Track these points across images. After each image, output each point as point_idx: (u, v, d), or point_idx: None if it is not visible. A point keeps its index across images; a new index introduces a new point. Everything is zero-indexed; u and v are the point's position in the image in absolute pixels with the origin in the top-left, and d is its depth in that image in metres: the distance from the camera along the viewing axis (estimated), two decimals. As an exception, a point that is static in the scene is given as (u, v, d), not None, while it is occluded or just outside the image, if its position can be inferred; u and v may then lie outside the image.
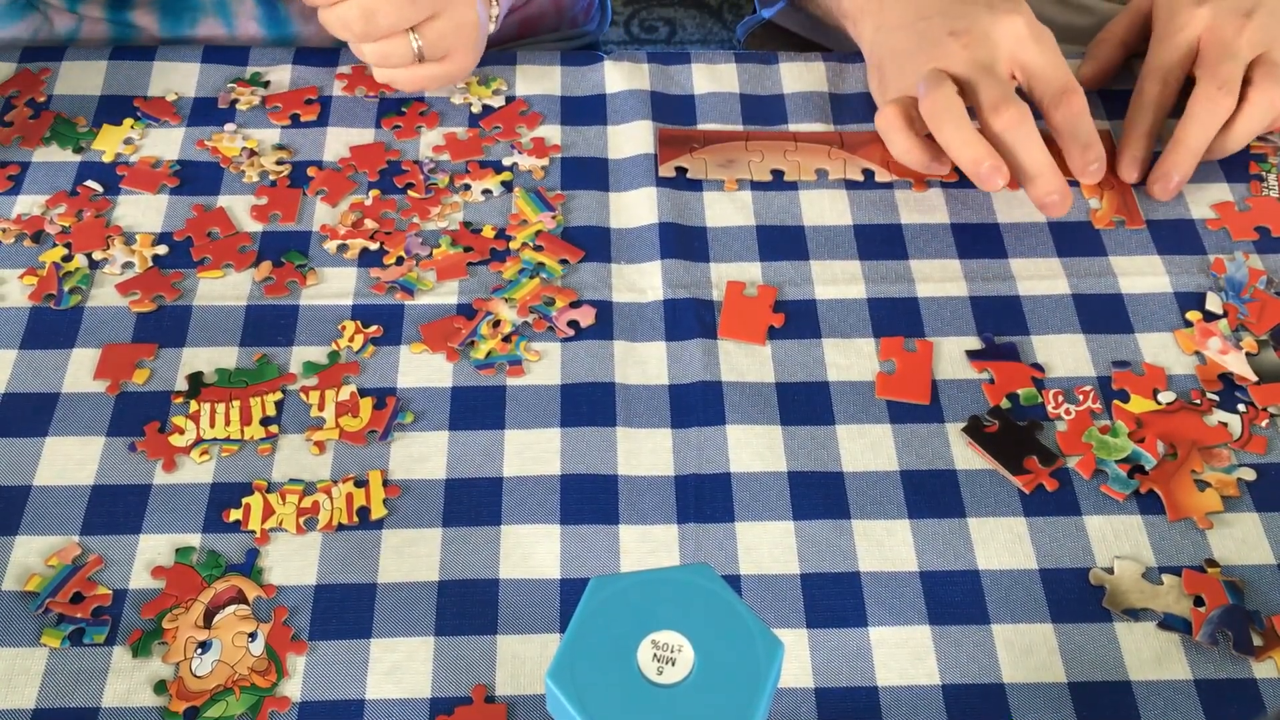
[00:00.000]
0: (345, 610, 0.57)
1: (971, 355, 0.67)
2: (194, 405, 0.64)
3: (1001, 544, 0.60)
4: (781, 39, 1.03)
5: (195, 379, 0.65)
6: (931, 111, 0.70)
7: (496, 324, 0.68)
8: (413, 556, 0.59)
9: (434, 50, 0.74)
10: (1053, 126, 0.73)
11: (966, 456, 0.63)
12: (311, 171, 0.75)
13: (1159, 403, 0.65)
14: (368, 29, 0.71)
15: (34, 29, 0.84)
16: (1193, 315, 0.69)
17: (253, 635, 0.57)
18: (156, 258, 0.71)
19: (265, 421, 0.64)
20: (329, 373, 0.66)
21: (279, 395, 0.65)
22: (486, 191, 0.75)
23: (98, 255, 0.70)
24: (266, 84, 0.80)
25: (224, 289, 0.69)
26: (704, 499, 0.61)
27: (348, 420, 0.64)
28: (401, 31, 0.72)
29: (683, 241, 0.72)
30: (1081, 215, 0.74)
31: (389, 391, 0.65)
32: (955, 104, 0.69)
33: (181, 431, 0.63)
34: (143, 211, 0.73)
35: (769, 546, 0.60)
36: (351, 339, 0.67)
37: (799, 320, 0.69)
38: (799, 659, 0.56)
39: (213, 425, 0.63)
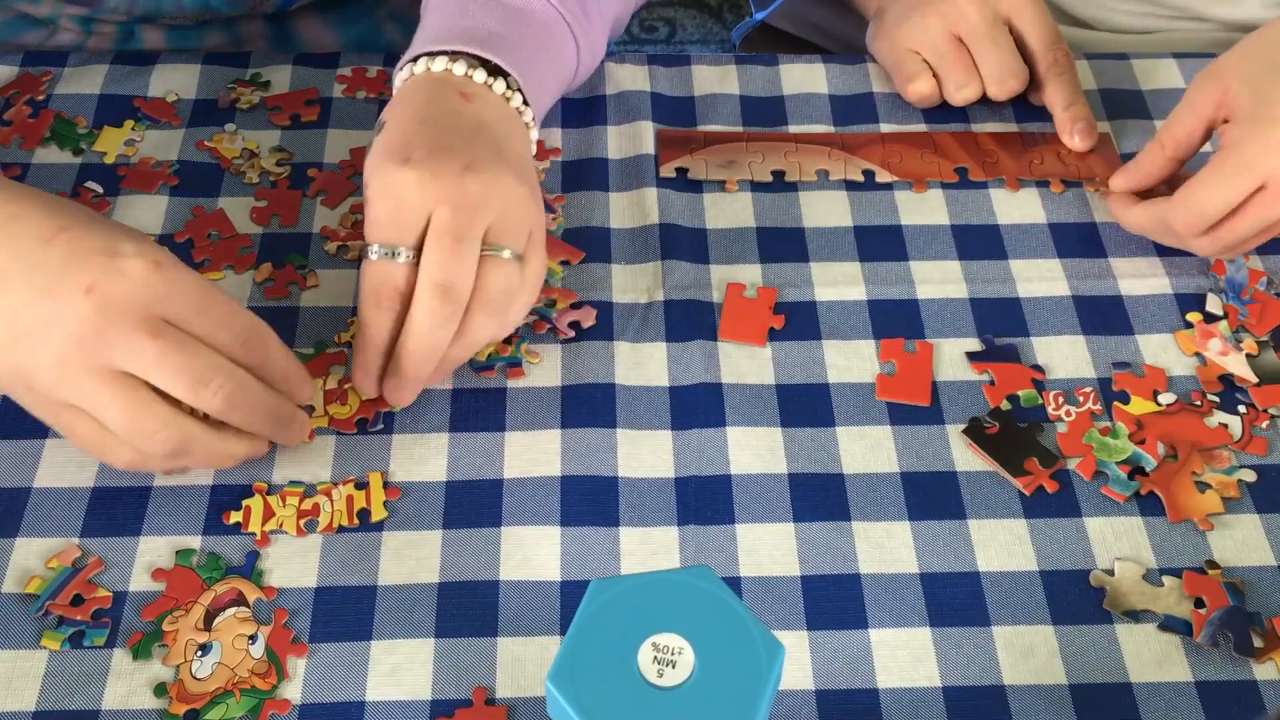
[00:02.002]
0: (345, 612, 0.57)
1: (972, 357, 0.67)
2: None
3: (1002, 546, 0.60)
4: (776, 42, 1.03)
5: None
6: None
7: (496, 326, 0.68)
8: (413, 558, 0.59)
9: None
10: (1040, 82, 0.77)
11: (967, 458, 0.63)
12: (312, 173, 0.75)
13: (1159, 404, 0.65)
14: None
15: (40, 42, 0.84)
16: (1193, 316, 0.69)
17: (253, 637, 0.57)
18: (156, 259, 0.71)
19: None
20: (316, 361, 0.66)
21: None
22: (486, 193, 0.74)
23: (98, 257, 0.70)
24: (266, 85, 0.80)
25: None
26: (704, 501, 0.61)
27: (336, 408, 0.64)
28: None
29: (683, 243, 0.72)
30: (1081, 217, 0.74)
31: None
32: None
33: None
34: (143, 212, 0.73)
35: (769, 548, 0.60)
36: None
37: (799, 322, 0.69)
38: (799, 661, 0.56)
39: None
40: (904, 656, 0.57)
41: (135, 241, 0.55)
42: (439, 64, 0.64)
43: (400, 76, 0.66)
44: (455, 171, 0.59)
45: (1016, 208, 0.74)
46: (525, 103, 0.66)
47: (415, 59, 0.66)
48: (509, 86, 0.66)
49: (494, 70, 0.66)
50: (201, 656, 0.56)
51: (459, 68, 0.64)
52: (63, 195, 0.73)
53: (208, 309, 0.56)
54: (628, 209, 0.74)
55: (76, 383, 0.53)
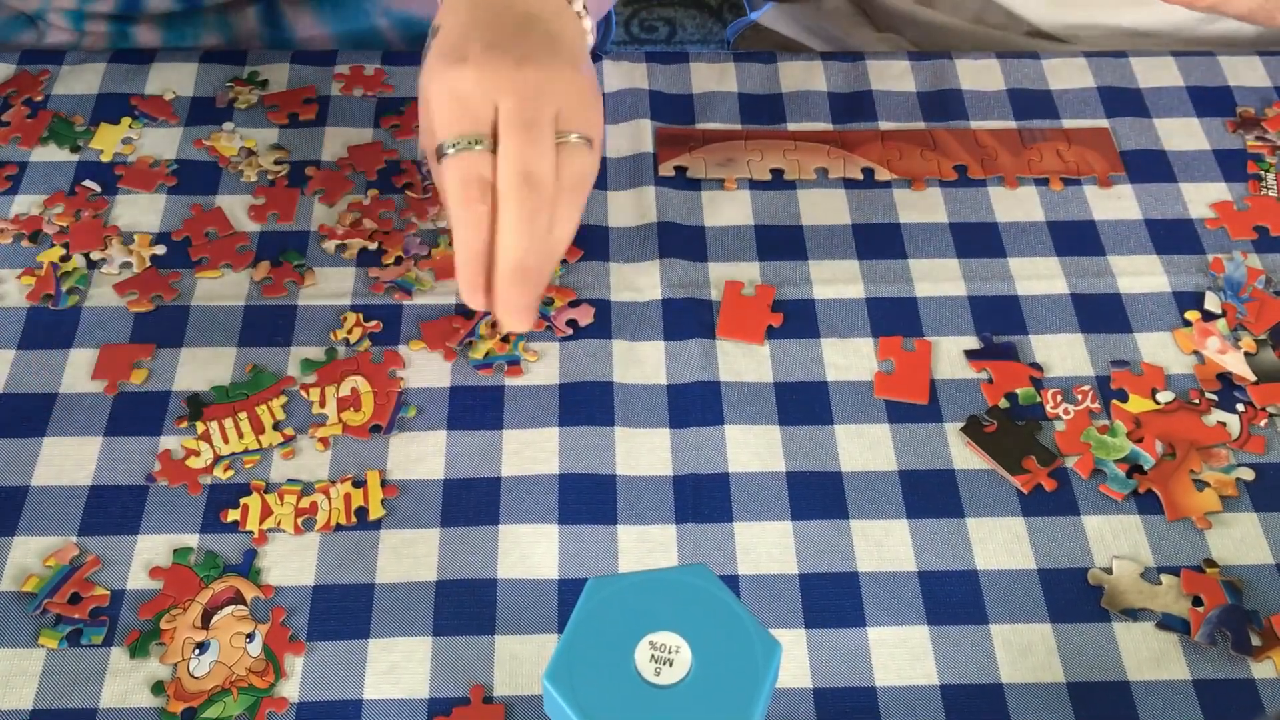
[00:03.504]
0: (343, 611, 0.57)
1: (970, 355, 0.67)
2: (200, 426, 0.63)
3: (1000, 544, 0.60)
4: (770, 43, 1.04)
5: (194, 401, 0.64)
6: None
7: (494, 324, 0.68)
8: (411, 557, 0.59)
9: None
10: None
11: (965, 456, 0.63)
12: (309, 171, 0.75)
13: (1157, 402, 0.65)
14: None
15: (33, 42, 0.84)
16: (1191, 315, 0.69)
17: (250, 636, 0.56)
18: (154, 257, 0.71)
19: (278, 426, 0.64)
20: (328, 369, 0.66)
21: (284, 399, 0.65)
22: (485, 191, 0.74)
23: (95, 255, 0.70)
24: (264, 83, 0.80)
25: (222, 289, 0.69)
26: (702, 499, 0.61)
27: (350, 415, 0.64)
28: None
29: (681, 241, 0.72)
30: (1080, 215, 0.74)
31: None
32: None
33: (196, 454, 0.62)
34: (141, 211, 0.73)
35: (767, 546, 0.60)
36: (350, 330, 0.67)
37: (797, 320, 0.69)
38: (797, 659, 0.56)
39: (226, 441, 0.63)
40: (902, 655, 0.57)
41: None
42: None
43: None
44: (512, 64, 0.57)
45: (1015, 206, 0.74)
46: None
47: None
48: None
49: None
50: (199, 655, 0.56)
51: None
52: (59, 194, 0.73)
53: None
54: (626, 207, 0.74)
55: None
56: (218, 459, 0.62)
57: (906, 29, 0.96)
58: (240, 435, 0.63)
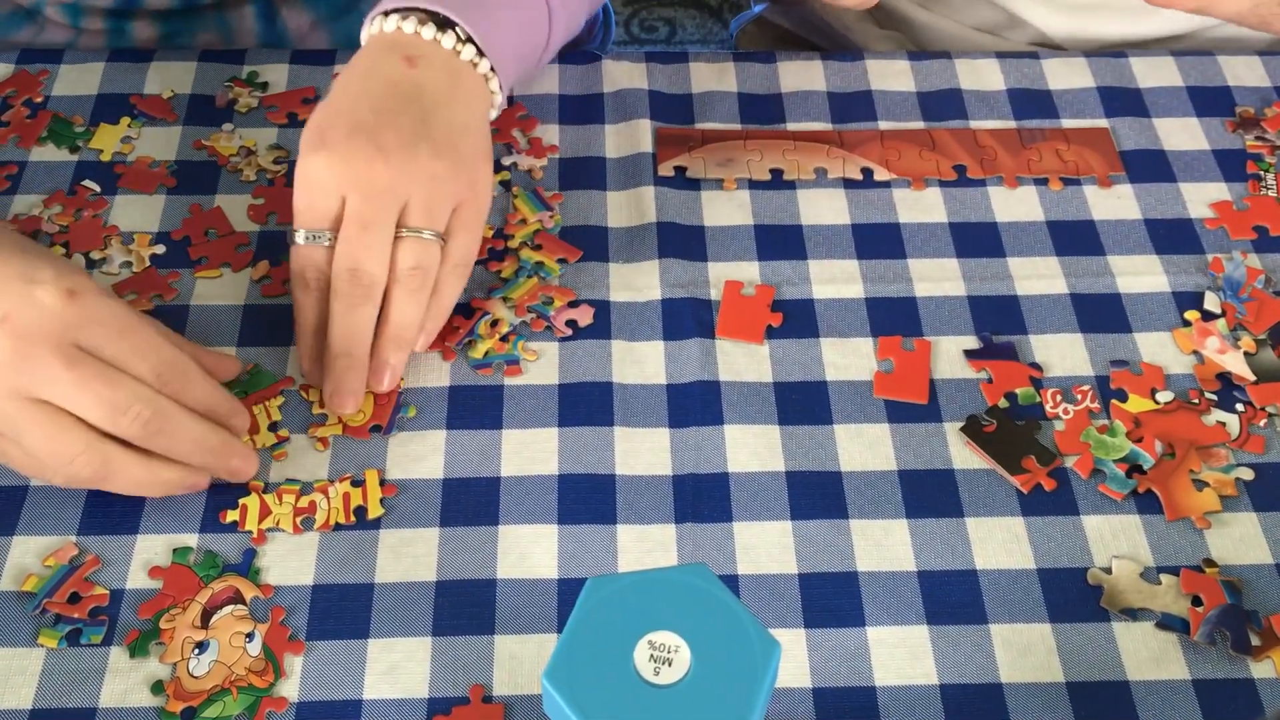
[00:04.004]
0: (343, 610, 0.57)
1: (969, 355, 0.67)
2: None
3: (999, 544, 0.60)
4: (774, 36, 1.03)
5: None
6: None
7: (494, 323, 0.68)
8: (410, 556, 0.59)
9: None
10: None
11: (964, 456, 0.63)
12: (309, 171, 0.75)
13: (1157, 402, 0.65)
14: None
15: (31, 39, 0.84)
16: (1191, 315, 0.69)
17: (250, 635, 0.56)
18: (154, 257, 0.70)
19: (273, 427, 0.64)
20: (326, 372, 0.66)
21: (281, 400, 0.65)
22: (484, 191, 0.74)
23: (95, 255, 0.70)
24: (264, 84, 0.79)
25: (221, 289, 0.69)
26: (702, 499, 0.61)
27: (350, 415, 0.64)
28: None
29: (681, 241, 0.72)
30: (1080, 214, 0.74)
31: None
32: None
33: None
34: (140, 211, 0.73)
35: (767, 546, 0.60)
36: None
37: (797, 319, 0.69)
38: (796, 659, 0.56)
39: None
40: (901, 654, 0.57)
41: (55, 269, 0.56)
42: (391, 23, 0.66)
43: (364, 34, 0.68)
44: (368, 156, 0.61)
45: (1015, 205, 0.74)
46: (480, 54, 0.66)
47: (374, 17, 0.67)
48: (459, 39, 0.65)
49: (446, 24, 0.66)
50: (198, 654, 0.56)
51: (409, 25, 0.65)
52: (59, 194, 0.73)
53: (124, 339, 0.56)
54: (625, 207, 0.74)
55: None
56: None
57: (908, 29, 0.96)
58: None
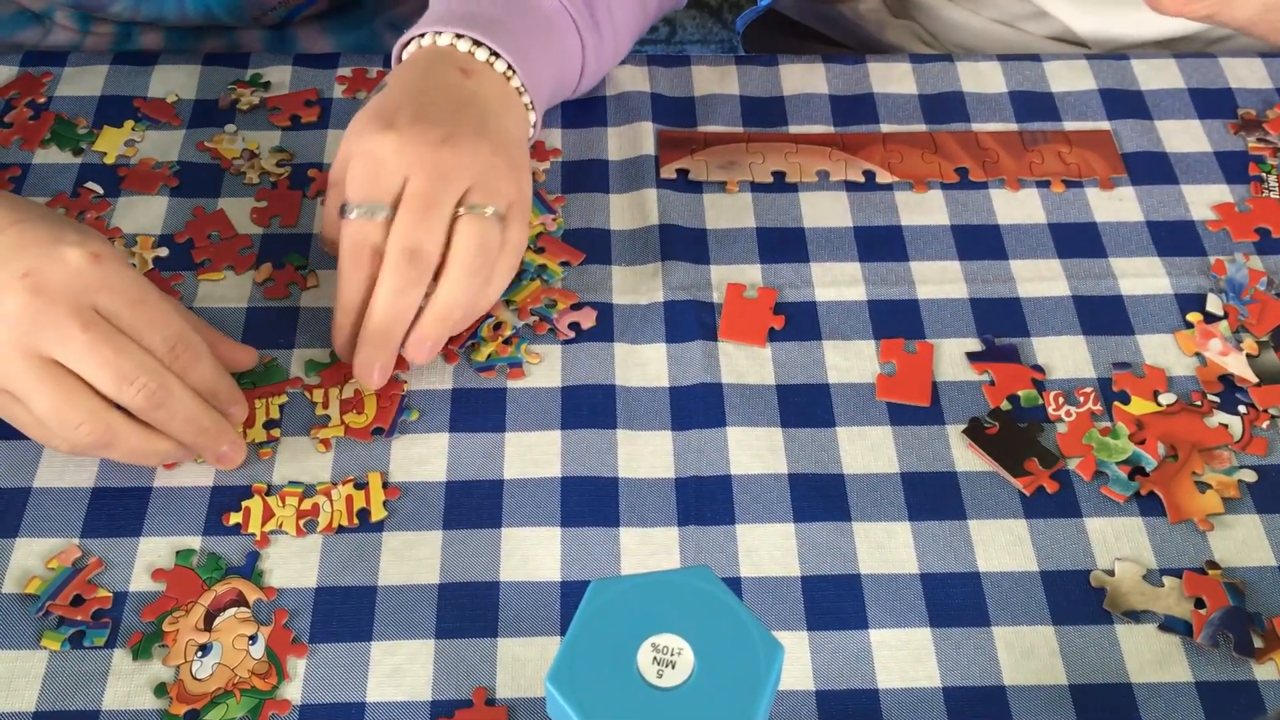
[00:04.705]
0: (346, 613, 0.57)
1: (972, 357, 0.67)
2: None
3: (1002, 546, 0.60)
4: (780, 30, 1.03)
5: None
6: None
7: (497, 326, 0.68)
8: (413, 559, 0.59)
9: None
10: None
11: (967, 458, 0.63)
12: (312, 174, 0.75)
13: (1159, 404, 0.65)
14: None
15: (36, 40, 0.84)
16: (1193, 317, 0.69)
17: (253, 638, 0.57)
18: (157, 260, 0.71)
19: (268, 425, 0.64)
20: (332, 370, 0.66)
21: (284, 399, 0.65)
22: (487, 193, 0.74)
23: (98, 257, 0.70)
24: (267, 85, 0.80)
25: (224, 291, 0.69)
26: (704, 501, 0.61)
27: (353, 417, 0.64)
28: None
29: (683, 243, 0.72)
30: (1082, 217, 0.74)
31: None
32: None
33: None
34: (143, 213, 0.73)
35: (769, 549, 0.60)
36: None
37: (799, 322, 0.69)
38: (799, 661, 0.56)
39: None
40: (904, 657, 0.57)
41: (82, 234, 0.57)
42: (445, 38, 0.66)
43: (403, 51, 0.68)
44: (434, 141, 0.61)
45: (1017, 208, 0.74)
46: (524, 87, 0.68)
47: (417, 34, 0.67)
48: (510, 68, 0.67)
49: (493, 54, 0.67)
50: (201, 657, 0.56)
51: (462, 44, 0.66)
52: (62, 196, 0.73)
53: (141, 308, 0.57)
54: (628, 210, 0.74)
55: (7, 366, 0.55)
56: None
57: (923, 18, 0.96)
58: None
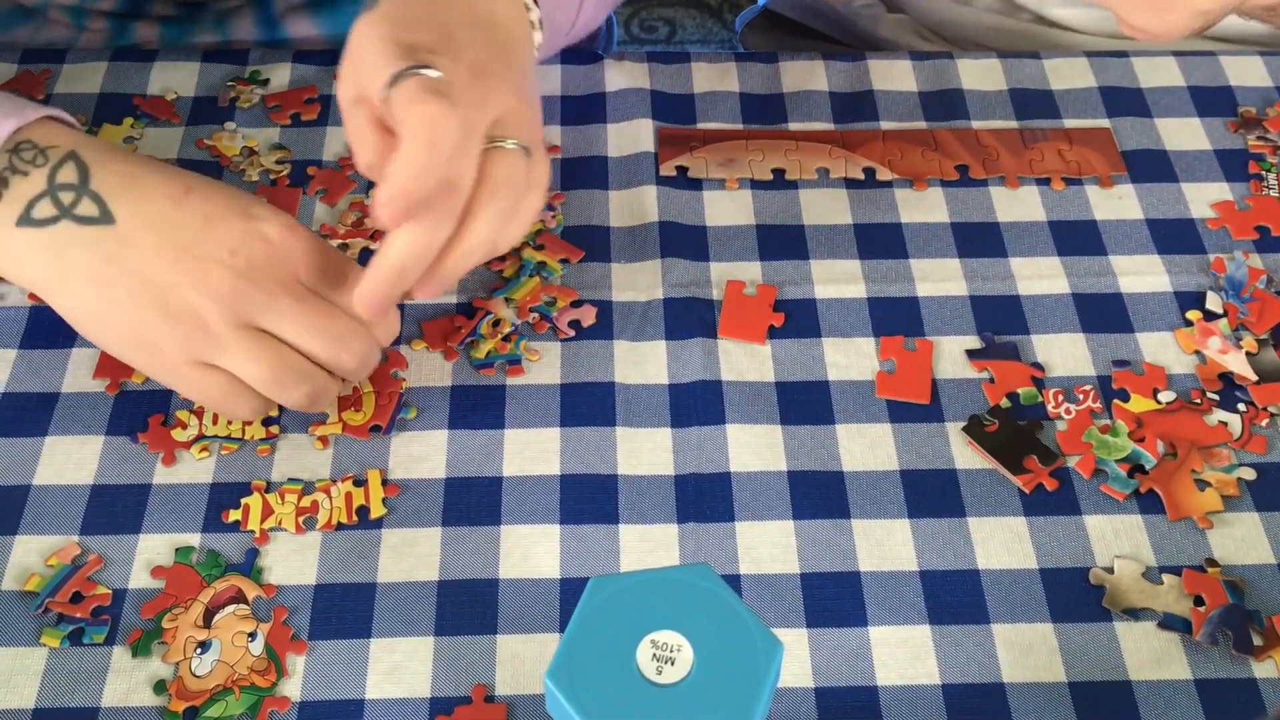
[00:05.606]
0: (345, 610, 0.57)
1: (971, 354, 0.67)
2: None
3: (1001, 543, 0.60)
4: (779, 29, 1.03)
5: None
6: None
7: (496, 323, 0.68)
8: (412, 556, 0.59)
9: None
10: None
11: (966, 456, 0.63)
12: (311, 171, 0.75)
13: (1159, 402, 0.65)
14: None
15: (30, 36, 0.84)
16: (1193, 314, 0.69)
17: (252, 635, 0.57)
18: (156, 257, 0.71)
19: (267, 422, 0.64)
20: (330, 371, 0.66)
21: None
22: (486, 191, 0.74)
23: (97, 254, 0.70)
24: (266, 83, 0.80)
25: (223, 288, 0.69)
26: (704, 498, 0.61)
27: (351, 414, 0.64)
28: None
29: (683, 240, 0.72)
30: (1081, 214, 0.74)
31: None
32: None
33: (184, 426, 0.63)
34: (142, 211, 0.73)
35: (769, 546, 0.60)
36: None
37: (799, 319, 0.69)
38: (798, 658, 0.56)
39: (215, 422, 0.63)
40: (903, 654, 0.57)
41: (262, 205, 0.59)
42: None
43: None
44: (470, 64, 0.57)
45: (1017, 205, 0.74)
46: (539, 22, 0.65)
47: None
48: None
49: None
50: (201, 654, 0.56)
51: None
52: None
53: (332, 272, 0.58)
54: (627, 207, 0.74)
55: (215, 340, 0.56)
56: (200, 436, 0.62)
57: (914, 11, 0.96)
58: (229, 421, 0.63)
